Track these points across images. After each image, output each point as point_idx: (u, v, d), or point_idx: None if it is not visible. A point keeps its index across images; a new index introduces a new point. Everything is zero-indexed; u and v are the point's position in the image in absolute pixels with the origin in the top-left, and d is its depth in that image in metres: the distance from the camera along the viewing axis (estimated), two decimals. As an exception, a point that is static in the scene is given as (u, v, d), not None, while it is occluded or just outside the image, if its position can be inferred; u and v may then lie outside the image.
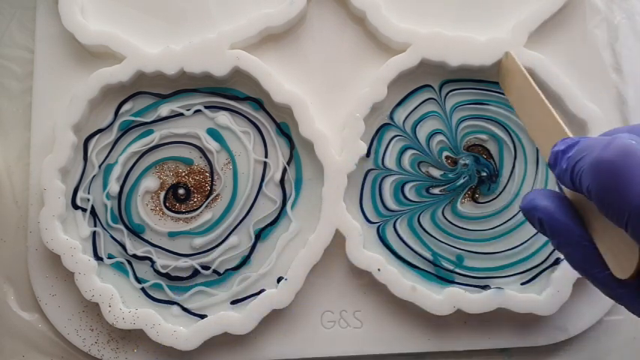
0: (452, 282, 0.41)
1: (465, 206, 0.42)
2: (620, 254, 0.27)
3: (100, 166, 0.41)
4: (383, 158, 0.42)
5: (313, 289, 0.41)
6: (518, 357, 0.42)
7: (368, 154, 0.42)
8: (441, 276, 0.41)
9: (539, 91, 0.36)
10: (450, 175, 0.42)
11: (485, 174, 0.42)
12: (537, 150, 0.42)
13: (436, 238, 0.42)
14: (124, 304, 0.40)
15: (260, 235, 0.41)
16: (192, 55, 0.41)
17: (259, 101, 0.42)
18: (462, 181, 0.41)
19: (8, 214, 0.42)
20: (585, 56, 0.44)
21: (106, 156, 0.42)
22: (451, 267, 0.41)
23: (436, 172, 0.42)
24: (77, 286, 0.39)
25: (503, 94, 0.42)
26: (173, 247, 0.41)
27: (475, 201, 0.42)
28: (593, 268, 0.29)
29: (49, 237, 0.39)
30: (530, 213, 0.31)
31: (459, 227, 0.42)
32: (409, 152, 0.42)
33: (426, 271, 0.41)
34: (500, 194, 0.42)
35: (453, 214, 0.42)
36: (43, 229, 0.40)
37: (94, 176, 0.41)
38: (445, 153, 0.42)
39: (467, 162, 0.42)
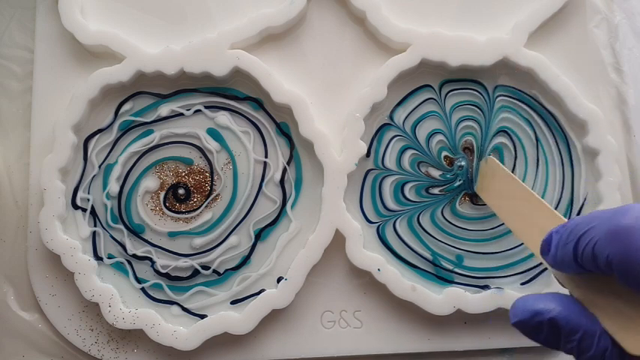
0: (451, 282, 0.41)
1: (463, 207, 0.42)
2: (634, 328, 0.26)
3: (100, 166, 0.41)
4: (383, 158, 0.42)
5: (313, 289, 0.41)
6: (518, 357, 0.42)
7: (368, 154, 0.42)
8: (441, 276, 0.41)
9: (528, 187, 0.35)
10: (448, 176, 0.42)
11: None
12: (537, 150, 0.42)
13: (436, 238, 0.42)
14: (124, 304, 0.40)
15: (260, 235, 0.41)
16: (192, 55, 0.41)
17: (259, 101, 0.42)
18: (458, 183, 0.41)
19: (8, 214, 0.42)
20: (585, 56, 0.44)
21: (106, 156, 0.42)
22: (450, 267, 0.41)
23: (435, 173, 0.42)
24: (77, 286, 0.39)
25: (506, 96, 0.42)
26: (173, 247, 0.41)
27: (473, 202, 0.42)
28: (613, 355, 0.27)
29: (49, 237, 0.39)
30: (535, 319, 0.28)
31: (459, 227, 0.42)
32: (409, 152, 0.42)
33: (425, 270, 0.41)
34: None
35: (452, 214, 0.42)
36: (43, 229, 0.39)
37: (94, 176, 0.41)
38: (444, 153, 0.42)
39: (462, 164, 0.41)
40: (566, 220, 0.31)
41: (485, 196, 0.40)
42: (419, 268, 0.41)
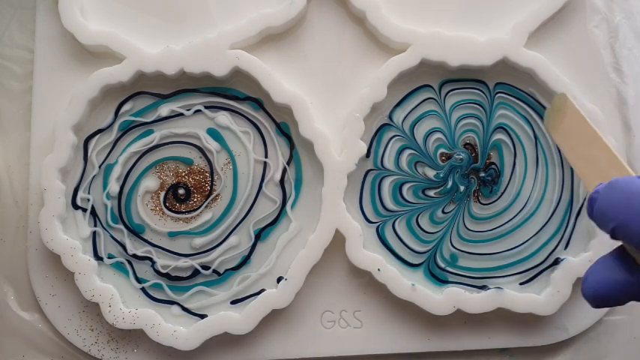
0: (445, 281, 0.41)
1: (476, 206, 0.42)
2: None
3: (100, 166, 0.41)
4: (382, 159, 0.42)
5: (313, 289, 0.41)
6: (518, 357, 0.42)
7: (368, 155, 0.42)
8: (435, 274, 0.41)
9: (600, 133, 0.34)
10: (442, 175, 0.42)
11: (488, 177, 0.42)
12: (536, 149, 0.42)
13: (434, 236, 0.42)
14: (124, 304, 0.40)
15: (260, 235, 0.41)
16: (192, 55, 0.41)
17: (259, 101, 0.42)
18: (450, 183, 0.41)
19: (8, 214, 0.42)
20: (585, 56, 0.44)
21: (106, 156, 0.42)
22: (443, 265, 0.41)
23: (431, 173, 0.42)
24: (77, 286, 0.39)
25: (504, 93, 0.42)
26: (173, 247, 0.41)
27: (480, 202, 0.42)
28: None
29: (49, 237, 0.39)
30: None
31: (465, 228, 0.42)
32: (407, 152, 0.42)
33: (419, 265, 0.41)
34: (501, 195, 0.42)
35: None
36: (43, 229, 0.39)
37: (94, 176, 0.41)
38: (441, 150, 0.42)
39: (462, 156, 0.41)
40: (632, 173, 0.30)
41: (554, 135, 0.37)
42: (416, 265, 0.41)
